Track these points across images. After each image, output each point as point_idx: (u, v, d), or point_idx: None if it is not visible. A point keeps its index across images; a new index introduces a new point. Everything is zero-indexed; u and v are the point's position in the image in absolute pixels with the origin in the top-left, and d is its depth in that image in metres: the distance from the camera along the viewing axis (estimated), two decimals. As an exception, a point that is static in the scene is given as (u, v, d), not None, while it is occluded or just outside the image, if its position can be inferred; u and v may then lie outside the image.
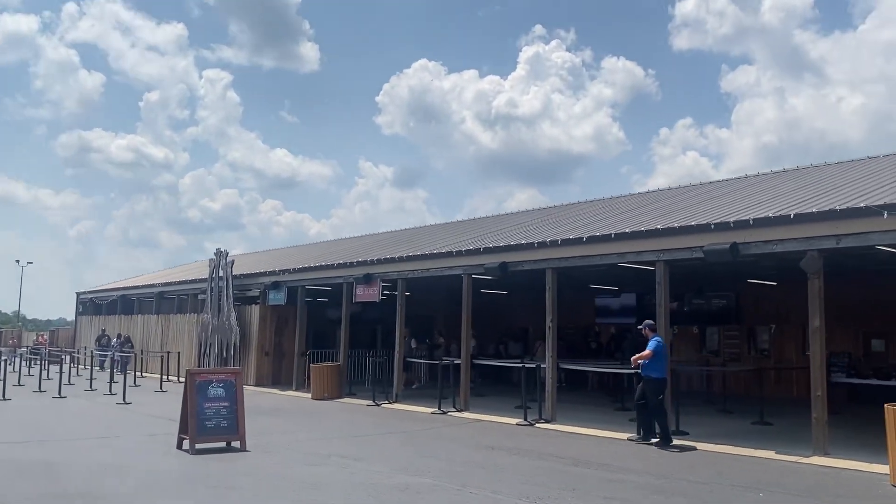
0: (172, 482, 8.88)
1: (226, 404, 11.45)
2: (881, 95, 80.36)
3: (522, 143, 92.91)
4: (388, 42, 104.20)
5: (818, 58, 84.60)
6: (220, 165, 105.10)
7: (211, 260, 26.11)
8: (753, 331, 22.28)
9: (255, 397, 19.72)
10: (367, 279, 19.11)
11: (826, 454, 10.49)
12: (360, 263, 19.51)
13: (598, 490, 8.42)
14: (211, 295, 25.55)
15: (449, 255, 16.87)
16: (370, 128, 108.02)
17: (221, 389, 11.50)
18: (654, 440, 11.81)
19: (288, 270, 22.47)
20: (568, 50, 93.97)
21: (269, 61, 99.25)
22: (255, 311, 24.13)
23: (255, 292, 24.84)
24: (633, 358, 12.18)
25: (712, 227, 11.78)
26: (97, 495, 8.00)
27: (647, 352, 11.82)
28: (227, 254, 25.40)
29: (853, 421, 15.16)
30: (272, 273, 23.23)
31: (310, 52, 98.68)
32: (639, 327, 12.78)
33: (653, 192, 21.95)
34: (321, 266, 21.10)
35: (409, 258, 17.96)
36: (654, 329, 12.28)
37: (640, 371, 12.11)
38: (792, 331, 21.18)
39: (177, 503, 7.85)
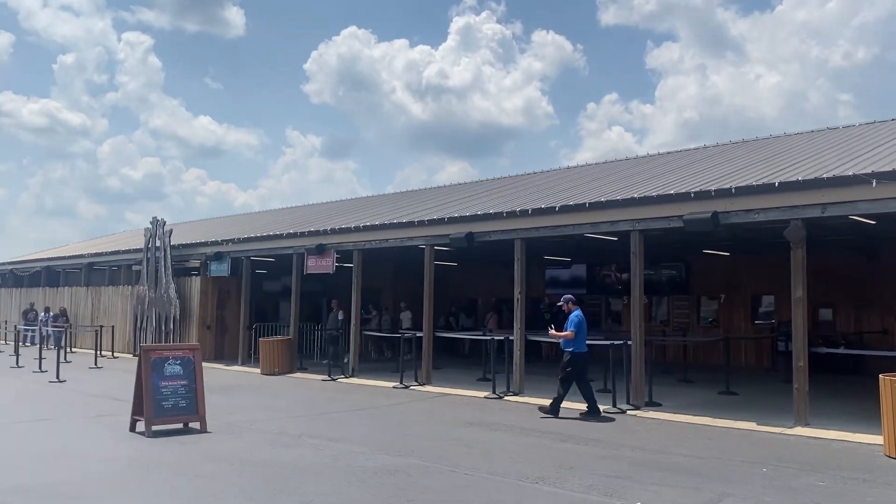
0: (132, 470, 8.07)
1: (184, 382, 10.63)
2: (795, 74, 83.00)
3: (453, 114, 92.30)
4: (317, 8, 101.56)
5: (738, 36, 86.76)
6: (141, 133, 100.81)
7: (147, 229, 24.74)
8: (702, 301, 22.51)
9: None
10: (321, 250, 18.31)
11: (807, 424, 10.44)
12: (312, 234, 18.67)
13: (596, 468, 8.05)
14: (147, 266, 24.25)
15: (410, 225, 16.23)
16: (298, 96, 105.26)
17: (179, 367, 10.67)
18: (592, 414, 11.50)
19: (232, 240, 21.41)
20: (498, 22, 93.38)
21: (193, 25, 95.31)
22: (195, 283, 22.99)
23: (196, 263, 23.66)
24: (553, 333, 11.92)
25: (692, 195, 11.51)
26: (50, 489, 7.17)
27: (569, 332, 11.55)
28: (165, 223, 24.08)
29: (812, 391, 15.32)
30: (214, 243, 22.11)
31: (235, 17, 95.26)
32: (558, 304, 12.44)
33: (622, 160, 21.55)
34: (269, 236, 20.14)
35: (367, 228, 17.24)
36: (575, 303, 12.07)
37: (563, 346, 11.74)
38: (741, 300, 21.46)
39: (142, 495, 7.08)
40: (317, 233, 18.50)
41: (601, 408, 12.07)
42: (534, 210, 13.72)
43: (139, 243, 25.65)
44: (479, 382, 16.24)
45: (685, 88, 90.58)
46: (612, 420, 11.37)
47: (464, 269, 27.74)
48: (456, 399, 13.90)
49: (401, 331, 19.37)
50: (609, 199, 12.75)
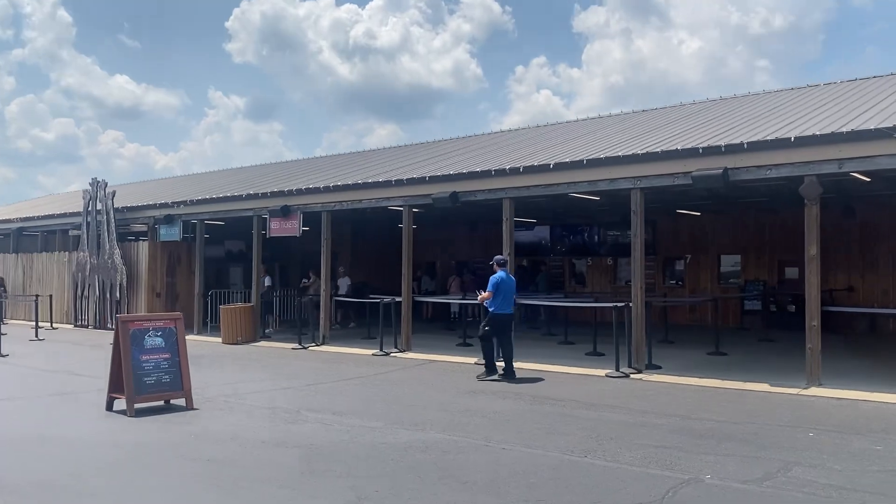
0: (134, 456, 7.20)
1: (166, 356, 9.71)
2: (716, 40, 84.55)
3: (382, 76, 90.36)
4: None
5: (662, 1, 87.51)
6: (53, 92, 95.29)
7: (85, 191, 23.09)
8: (668, 261, 22.47)
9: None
10: (285, 212, 17.29)
11: (821, 385, 10.25)
12: (276, 194, 17.61)
13: (636, 438, 7.60)
14: (88, 231, 22.67)
15: (387, 184, 15.39)
16: (220, 55, 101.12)
17: (160, 339, 9.72)
18: (498, 375, 11.50)
19: (184, 202, 20.10)
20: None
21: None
22: (143, 248, 21.60)
23: (143, 227, 22.24)
24: (479, 298, 12.00)
25: (700, 151, 11.07)
26: (48, 487, 6.25)
27: (486, 293, 11.64)
28: (106, 184, 22.47)
29: (793, 348, 15.36)
30: (164, 205, 20.73)
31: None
32: (490, 263, 12.24)
33: (617, 115, 20.89)
34: (228, 197, 18.95)
35: (339, 189, 16.31)
36: (501, 265, 11.88)
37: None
38: (707, 261, 21.47)
39: (167, 486, 6.26)
40: (281, 193, 17.45)
41: (601, 372, 11.70)
42: (525, 168, 13.09)
43: (76, 206, 23.98)
44: (459, 348, 15.70)
45: (611, 53, 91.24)
46: (618, 381, 10.99)
47: (421, 231, 27.03)
48: (444, 366, 13.30)
49: (373, 296, 18.62)
50: (609, 155, 12.21)
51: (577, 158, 12.51)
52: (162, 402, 9.64)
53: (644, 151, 11.77)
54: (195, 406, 9.58)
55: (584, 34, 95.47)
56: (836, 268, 19.33)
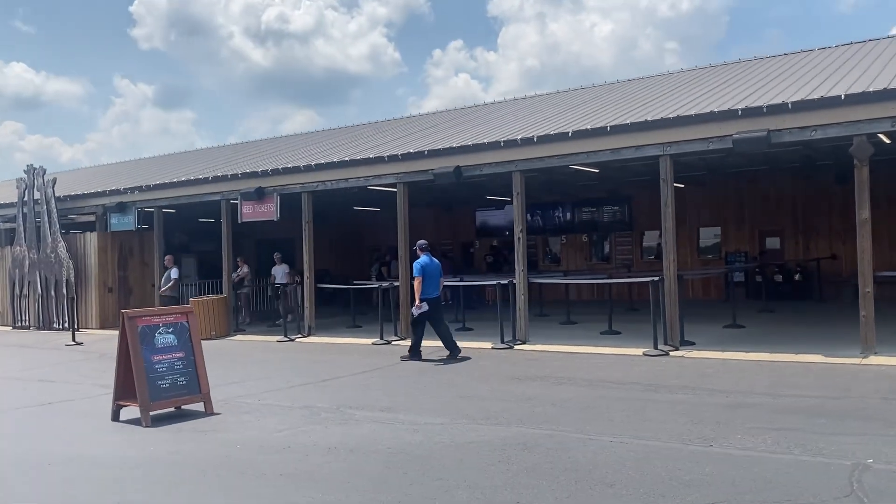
0: (187, 476, 6.06)
1: (180, 355, 8.48)
2: (627, 22, 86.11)
3: (296, 61, 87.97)
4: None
5: None
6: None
7: (19, 180, 21.03)
8: (645, 236, 22.10)
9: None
10: (260, 194, 15.98)
11: (876, 353, 9.83)
12: (248, 176, 16.26)
13: (744, 421, 6.91)
14: (25, 223, 20.67)
15: (379, 161, 14.30)
16: (125, 41, 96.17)
17: (172, 336, 8.49)
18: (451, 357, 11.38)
19: (139, 188, 18.45)
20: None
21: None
22: (91, 239, 19.80)
23: (90, 217, 20.39)
24: (416, 305, 11.60)
25: (740, 113, 10.46)
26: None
27: (416, 282, 11.39)
28: (45, 171, 20.50)
29: (803, 318, 15.18)
30: (115, 192, 19.01)
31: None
32: (413, 248, 11.97)
33: (624, 82, 19.97)
34: (191, 181, 17.44)
35: (322, 167, 15.11)
36: (423, 249, 11.65)
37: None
38: (685, 234, 21.17)
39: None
40: (255, 174, 16.12)
41: (638, 351, 11.03)
42: (541, 138, 12.25)
43: (9, 197, 21.85)
44: (460, 332, 14.78)
45: (526, 36, 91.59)
46: (656, 360, 10.33)
47: (385, 214, 25.93)
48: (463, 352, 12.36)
49: (356, 282, 17.57)
50: (636, 120, 11.49)
51: (600, 125, 11.75)
52: (173, 409, 8.44)
53: (675, 115, 11.10)
54: (215, 410, 8.41)
55: (500, 18, 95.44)
56: (817, 236, 19.33)
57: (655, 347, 10.93)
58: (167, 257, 18.11)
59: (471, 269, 24.28)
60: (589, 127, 11.84)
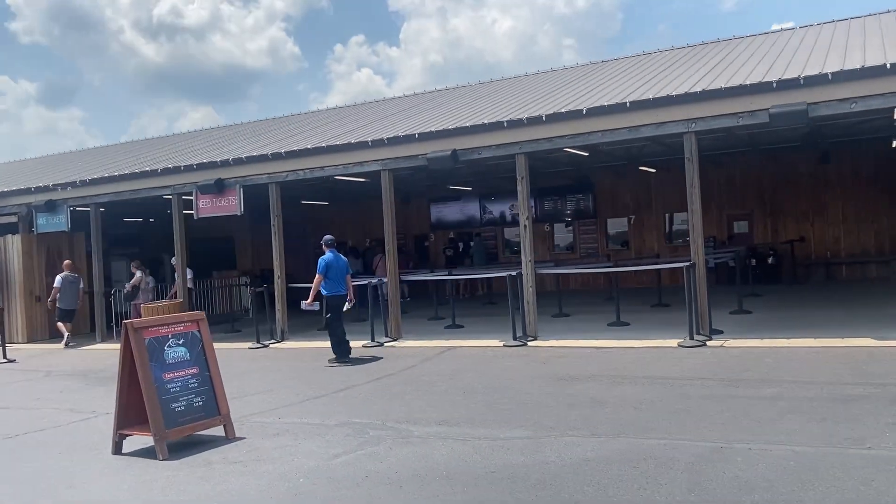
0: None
1: (194, 370, 7.14)
2: (526, 19, 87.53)
3: (192, 56, 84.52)
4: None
5: None
6: None
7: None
8: (609, 224, 21.59)
9: (58, 359, 14.43)
10: (220, 187, 14.44)
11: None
12: (205, 166, 14.68)
13: (866, 415, 6.22)
14: (-68, 226, 18.26)
15: (362, 146, 13.06)
16: (3, 36, 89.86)
17: (183, 348, 7.13)
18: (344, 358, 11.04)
19: (72, 184, 16.50)
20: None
21: None
22: (13, 243, 17.64)
23: (10, 218, 18.18)
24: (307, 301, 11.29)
25: (775, 85, 9.86)
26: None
27: (316, 278, 11.09)
28: (-45, 168, 18.16)
29: (797, 300, 14.89)
30: (42, 189, 16.95)
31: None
32: (320, 242, 11.56)
33: (641, 55, 18.89)
34: (136, 174, 15.66)
35: (294, 155, 13.73)
36: (329, 245, 11.32)
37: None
38: (653, 220, 20.82)
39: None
40: (213, 165, 14.55)
41: (673, 342, 10.30)
42: (550, 116, 11.34)
43: None
44: (451, 331, 13.77)
45: (428, 32, 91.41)
46: (696, 351, 9.62)
47: (332, 207, 24.56)
48: (474, 352, 11.32)
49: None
50: (658, 96, 10.74)
51: (618, 101, 10.94)
52: (185, 435, 7.09)
53: (701, 90, 10.40)
54: (238, 434, 7.12)
55: (401, 13, 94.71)
56: (784, 219, 19.28)
57: (691, 338, 10.23)
58: (134, 262, 16.60)
59: (426, 262, 23.24)
60: (605, 103, 11.01)
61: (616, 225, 21.47)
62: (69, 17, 77.34)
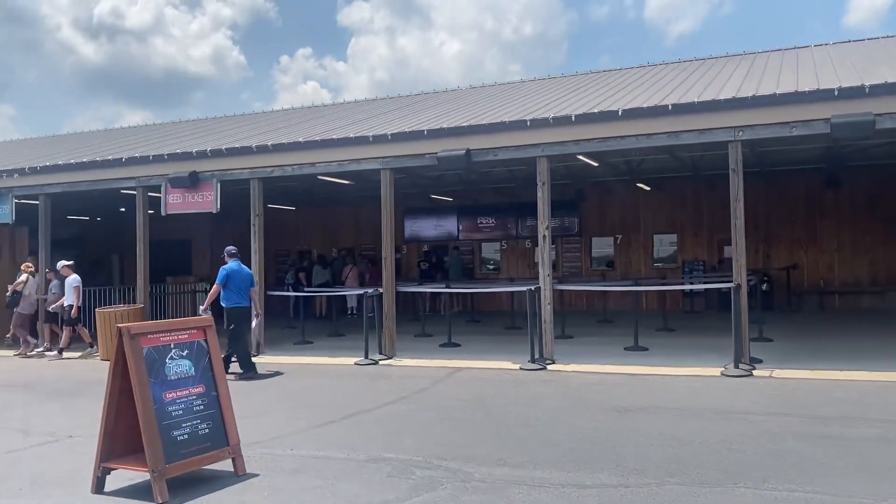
0: None
1: (199, 390, 5.78)
2: (474, 42, 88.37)
3: (133, 58, 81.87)
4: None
5: (424, 2, 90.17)
6: None
7: None
8: (593, 243, 20.69)
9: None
10: (194, 180, 12.96)
11: None
12: (177, 157, 13.18)
13: None
14: None
15: (361, 141, 11.80)
16: None
17: (187, 361, 5.77)
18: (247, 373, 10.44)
19: (20, 171, 14.73)
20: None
21: None
22: (-55, 235, 15.72)
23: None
24: (204, 305, 10.96)
25: (836, 93, 9.04)
26: None
27: (214, 287, 10.67)
28: None
29: (795, 329, 14.16)
30: (-17, 176, 15.11)
31: None
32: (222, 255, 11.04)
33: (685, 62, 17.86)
34: (97, 163, 14.02)
35: (281, 148, 12.38)
36: (231, 255, 10.81)
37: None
38: (640, 241, 20.01)
39: None
40: (188, 156, 13.07)
41: (715, 371, 9.31)
42: (581, 117, 10.31)
43: None
44: (447, 349, 12.56)
45: (376, 49, 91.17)
46: (745, 380, 8.64)
47: (298, 213, 23.08)
48: (488, 375, 10.10)
49: (335, 288, 14.87)
50: (703, 99, 9.81)
51: (657, 104, 9.99)
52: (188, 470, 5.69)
53: (753, 95, 9.53)
54: (248, 470, 5.77)
55: (350, 29, 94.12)
56: (777, 244, 18.71)
57: (736, 366, 9.25)
58: (26, 262, 14.76)
59: (398, 276, 21.92)
60: (645, 105, 10.04)
61: (600, 245, 20.60)
62: (3, 13, 73.70)
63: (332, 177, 13.40)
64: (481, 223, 21.63)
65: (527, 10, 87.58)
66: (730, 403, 7.69)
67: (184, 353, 5.71)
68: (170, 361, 5.59)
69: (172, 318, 17.95)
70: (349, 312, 20.12)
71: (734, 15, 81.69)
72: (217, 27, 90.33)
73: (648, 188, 18.51)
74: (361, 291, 12.30)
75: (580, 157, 11.92)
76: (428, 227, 22.16)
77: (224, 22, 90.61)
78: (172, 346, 5.66)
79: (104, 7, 78.63)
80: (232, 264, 10.71)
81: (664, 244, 19.87)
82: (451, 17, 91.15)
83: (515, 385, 9.23)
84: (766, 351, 10.99)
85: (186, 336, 5.80)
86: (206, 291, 18.32)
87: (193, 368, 5.75)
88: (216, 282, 10.64)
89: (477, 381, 9.65)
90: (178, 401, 5.55)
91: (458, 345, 12.80)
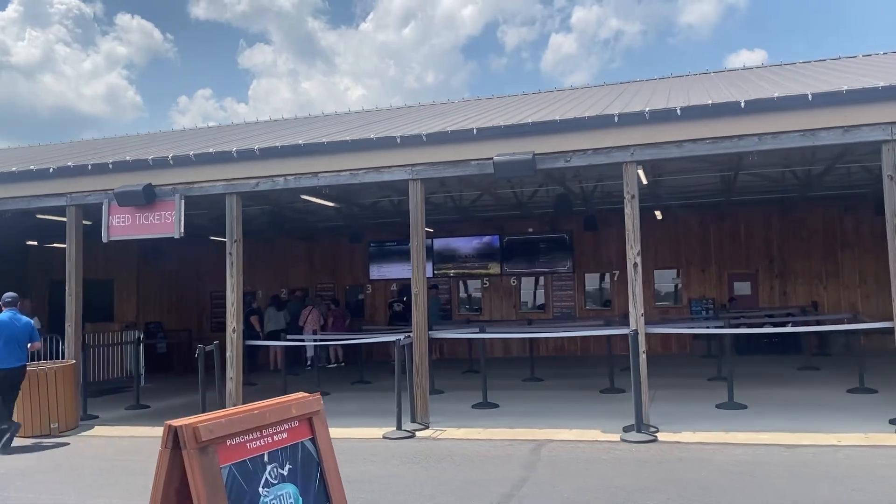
0: None
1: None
2: (377, 89, 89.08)
3: (19, 96, 76.67)
4: None
5: (328, 48, 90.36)
6: None
7: None
8: (587, 279, 18.46)
9: None
10: (149, 196, 9.93)
11: None
12: (124, 166, 10.11)
13: None
14: None
15: (386, 144, 9.12)
16: None
17: (291, 486, 2.94)
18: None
19: None
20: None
21: None
22: None
23: None
24: None
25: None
26: None
27: None
28: None
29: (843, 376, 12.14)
30: None
31: None
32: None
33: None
34: (12, 174, 10.75)
35: (270, 154, 9.55)
36: (8, 304, 9.14)
37: None
38: (642, 276, 17.87)
39: None
40: (141, 164, 10.03)
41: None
42: (686, 110, 8.04)
43: None
44: (491, 411, 9.91)
45: (278, 91, 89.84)
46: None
47: (245, 250, 19.81)
48: (589, 450, 7.49)
49: (304, 335, 11.94)
50: (853, 87, 7.73)
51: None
52: None
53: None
54: None
55: (251, 71, 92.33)
56: (794, 280, 17.03)
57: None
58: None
59: (362, 319, 19.04)
60: (775, 96, 7.86)
61: (595, 281, 18.43)
62: None
63: (309, 198, 10.61)
64: (458, 257, 19.11)
65: (428, 60, 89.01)
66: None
67: (285, 470, 2.92)
68: (265, 491, 2.79)
69: (95, 375, 14.46)
70: (306, 364, 17.16)
71: (622, 69, 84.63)
72: (112, 66, 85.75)
73: (662, 217, 16.50)
74: (394, 338, 9.37)
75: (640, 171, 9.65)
76: (396, 263, 19.40)
77: (119, 61, 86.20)
78: (266, 456, 2.86)
79: (-11, 42, 72.74)
80: (4, 314, 9.02)
81: (666, 280, 17.88)
82: (354, 62, 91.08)
83: (639, 467, 6.68)
84: (785, 404, 8.87)
85: (286, 434, 3.01)
86: (140, 341, 15.00)
87: (300, 491, 2.96)
88: None
89: (579, 462, 7.02)
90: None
91: (497, 405, 10.17)
